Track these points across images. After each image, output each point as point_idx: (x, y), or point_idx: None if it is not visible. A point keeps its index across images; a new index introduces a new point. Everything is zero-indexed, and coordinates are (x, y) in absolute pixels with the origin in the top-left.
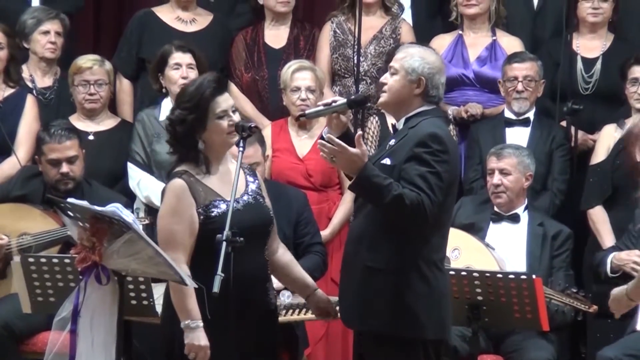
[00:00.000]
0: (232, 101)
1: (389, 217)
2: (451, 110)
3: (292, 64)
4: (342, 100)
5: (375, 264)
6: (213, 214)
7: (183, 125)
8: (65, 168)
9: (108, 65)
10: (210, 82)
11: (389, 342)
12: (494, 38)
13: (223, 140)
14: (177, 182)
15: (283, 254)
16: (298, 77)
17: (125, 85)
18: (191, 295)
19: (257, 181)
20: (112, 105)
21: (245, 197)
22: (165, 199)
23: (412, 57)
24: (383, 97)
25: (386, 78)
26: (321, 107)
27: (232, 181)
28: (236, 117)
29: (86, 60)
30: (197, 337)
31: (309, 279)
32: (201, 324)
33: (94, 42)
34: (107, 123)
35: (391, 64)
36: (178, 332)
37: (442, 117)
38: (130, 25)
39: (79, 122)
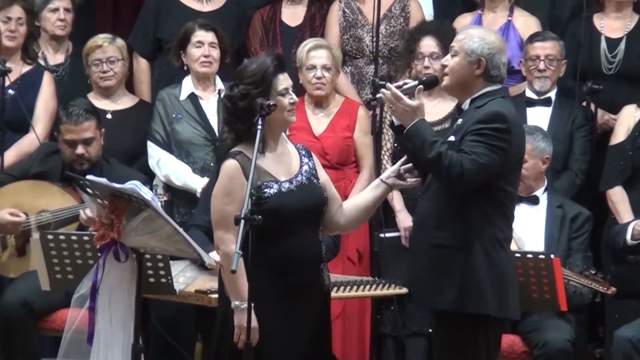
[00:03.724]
0: (290, 80)
1: (430, 173)
2: None
3: (308, 42)
4: (413, 83)
5: (441, 241)
6: (265, 195)
7: (246, 100)
8: (80, 149)
9: (119, 41)
10: (273, 60)
11: (452, 320)
12: (509, 19)
13: (283, 118)
14: (231, 163)
15: (341, 214)
16: (314, 55)
17: (142, 65)
18: (242, 275)
19: (312, 162)
20: (130, 85)
21: (299, 178)
22: (220, 179)
23: (471, 38)
24: (445, 80)
25: (447, 60)
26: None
27: (287, 162)
28: (295, 97)
29: (96, 39)
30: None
31: (377, 192)
32: (251, 304)
33: (113, 19)
34: (124, 102)
35: (452, 44)
36: (232, 312)
37: (508, 97)
38: (146, 5)
39: (96, 100)
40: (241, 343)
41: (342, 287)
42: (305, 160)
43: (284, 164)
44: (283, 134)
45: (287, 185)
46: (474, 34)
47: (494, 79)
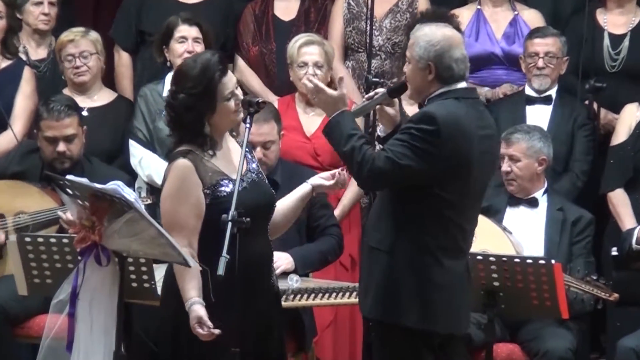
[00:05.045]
0: (235, 78)
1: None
2: (485, 92)
3: (300, 38)
4: (382, 91)
5: (373, 243)
6: (222, 194)
7: (191, 112)
8: (62, 147)
9: (93, 35)
10: (217, 64)
11: (377, 326)
12: (516, 13)
13: (231, 120)
14: (183, 162)
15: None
16: (305, 51)
17: (124, 59)
18: (192, 277)
19: (255, 158)
20: (111, 80)
21: (248, 175)
22: (169, 179)
23: (418, 44)
24: (408, 90)
25: (406, 67)
26: (365, 102)
27: (234, 160)
28: (240, 93)
29: (68, 34)
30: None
31: (298, 193)
32: (193, 301)
33: (93, 11)
34: (102, 98)
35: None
36: (182, 315)
37: (461, 99)
38: None
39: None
40: (207, 337)
41: (333, 294)
42: (250, 156)
43: (232, 162)
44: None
45: (240, 182)
46: (420, 36)
47: (448, 80)
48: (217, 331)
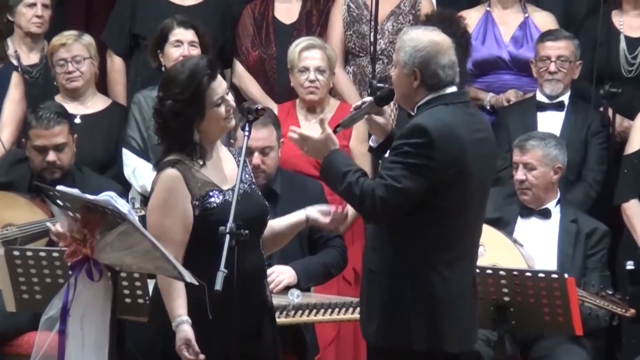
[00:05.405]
0: (225, 83)
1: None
2: (489, 98)
3: (300, 42)
4: (370, 99)
5: (374, 266)
6: (211, 205)
7: (179, 119)
8: (52, 156)
9: (87, 38)
10: (205, 69)
11: (382, 353)
12: (527, 15)
13: (221, 127)
14: (171, 173)
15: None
16: (306, 56)
17: (117, 64)
18: (178, 294)
19: (248, 168)
20: (104, 86)
21: (240, 186)
22: (156, 190)
23: (403, 49)
24: (395, 96)
25: (392, 72)
26: (353, 112)
27: (225, 169)
28: (231, 99)
29: (60, 37)
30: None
31: (292, 219)
32: (181, 320)
33: (85, 14)
34: (95, 105)
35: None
36: (172, 332)
37: (451, 104)
38: None
39: (64, 104)
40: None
41: (336, 309)
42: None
43: (222, 171)
44: (218, 140)
45: (231, 193)
46: (406, 41)
47: (435, 87)
48: (202, 357)
